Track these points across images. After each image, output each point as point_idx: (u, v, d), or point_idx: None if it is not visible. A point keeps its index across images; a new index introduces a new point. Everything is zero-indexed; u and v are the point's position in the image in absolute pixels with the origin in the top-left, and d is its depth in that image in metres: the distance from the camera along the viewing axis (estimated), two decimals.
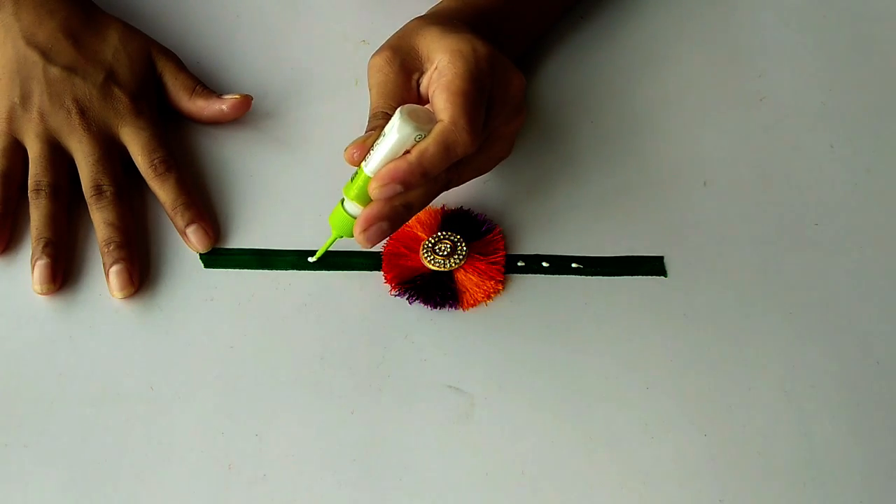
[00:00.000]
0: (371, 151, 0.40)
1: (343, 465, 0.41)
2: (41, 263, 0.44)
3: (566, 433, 0.42)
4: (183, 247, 0.47)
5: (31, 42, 0.47)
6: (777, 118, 0.54)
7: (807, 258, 0.48)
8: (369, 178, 0.40)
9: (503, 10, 0.50)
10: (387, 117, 0.41)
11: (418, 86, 0.43)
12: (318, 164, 0.50)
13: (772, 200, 0.50)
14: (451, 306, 0.45)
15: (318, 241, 0.47)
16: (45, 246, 0.44)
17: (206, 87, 0.51)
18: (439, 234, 0.47)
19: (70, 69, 0.47)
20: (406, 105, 0.40)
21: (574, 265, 0.47)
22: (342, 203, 0.42)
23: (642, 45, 0.57)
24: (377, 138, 0.40)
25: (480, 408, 0.43)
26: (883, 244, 0.49)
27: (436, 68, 0.42)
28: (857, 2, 0.60)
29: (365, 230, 0.40)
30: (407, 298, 0.46)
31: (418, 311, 0.45)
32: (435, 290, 0.45)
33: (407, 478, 0.41)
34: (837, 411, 0.43)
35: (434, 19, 0.45)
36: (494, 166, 0.45)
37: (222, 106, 0.50)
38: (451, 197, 0.49)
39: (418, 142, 0.39)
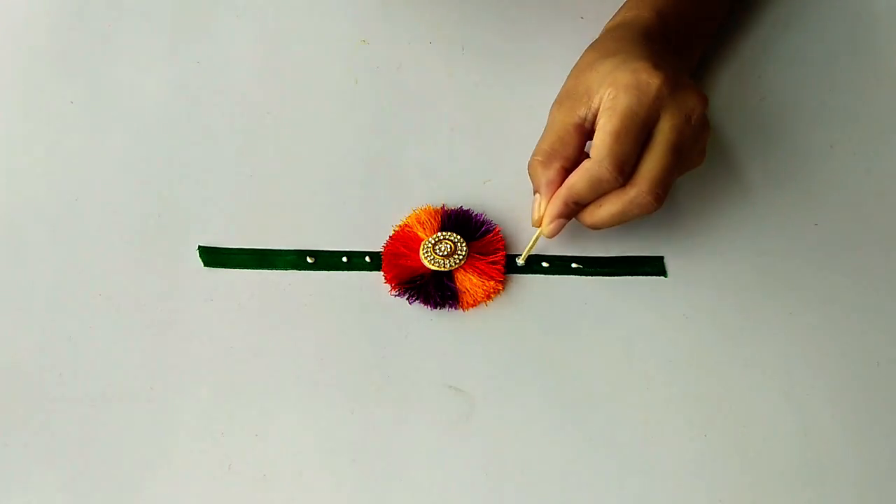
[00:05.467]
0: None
1: (343, 465, 0.41)
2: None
3: (566, 433, 0.42)
4: (183, 246, 0.47)
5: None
6: (777, 118, 0.54)
7: (807, 258, 0.48)
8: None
9: (685, 15, 0.50)
10: (541, 164, 0.45)
11: (591, 122, 0.44)
12: (318, 163, 0.50)
13: (772, 200, 0.50)
14: (451, 306, 0.45)
15: (318, 242, 0.47)
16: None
17: None
18: (439, 234, 0.47)
19: None
20: None
21: (574, 265, 0.47)
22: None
23: None
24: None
25: (480, 408, 0.43)
26: (883, 244, 0.49)
27: (602, 103, 0.43)
28: (857, 2, 0.60)
29: (549, 224, 0.45)
30: (407, 298, 0.46)
31: (418, 311, 0.45)
32: (435, 290, 0.45)
33: (407, 478, 0.41)
34: (837, 411, 0.43)
35: (609, 48, 0.46)
36: (687, 172, 0.46)
37: None
38: (451, 197, 0.49)
39: None
